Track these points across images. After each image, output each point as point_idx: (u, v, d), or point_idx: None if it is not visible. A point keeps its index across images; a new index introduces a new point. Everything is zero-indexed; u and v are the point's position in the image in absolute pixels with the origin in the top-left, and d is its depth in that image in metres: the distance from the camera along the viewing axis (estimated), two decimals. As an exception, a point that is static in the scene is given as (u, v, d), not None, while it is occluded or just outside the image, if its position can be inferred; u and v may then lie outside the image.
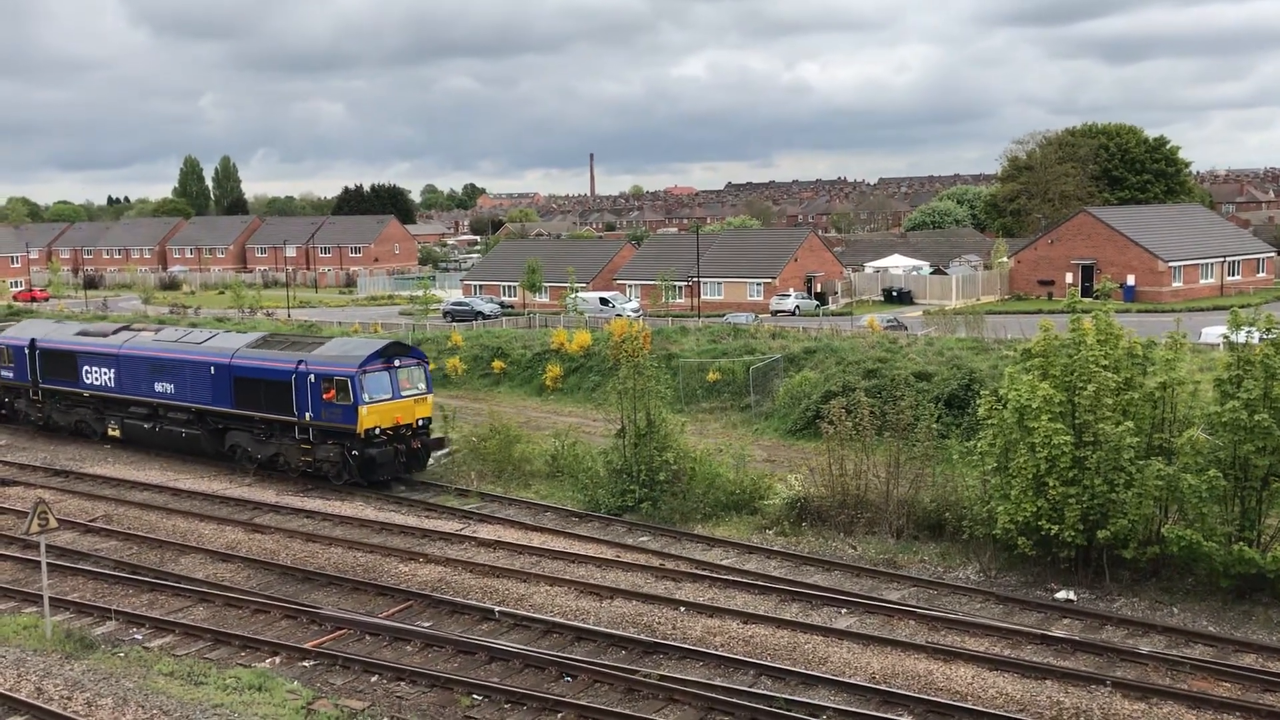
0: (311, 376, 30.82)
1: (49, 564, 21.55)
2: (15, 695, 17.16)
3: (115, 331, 38.42)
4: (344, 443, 30.66)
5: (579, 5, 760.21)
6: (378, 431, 30.51)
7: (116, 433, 36.88)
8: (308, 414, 31.09)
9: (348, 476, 30.94)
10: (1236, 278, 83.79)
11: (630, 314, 72.26)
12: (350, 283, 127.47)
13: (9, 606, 22.49)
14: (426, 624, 21.14)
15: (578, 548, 25.42)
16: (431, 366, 49.29)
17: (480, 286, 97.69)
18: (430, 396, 32.45)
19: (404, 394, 31.22)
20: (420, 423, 31.78)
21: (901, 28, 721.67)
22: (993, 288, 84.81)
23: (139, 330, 38.69)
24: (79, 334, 38.91)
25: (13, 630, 20.41)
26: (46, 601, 20.66)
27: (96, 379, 36.94)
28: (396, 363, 31.33)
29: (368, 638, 20.49)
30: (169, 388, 34.69)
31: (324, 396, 30.53)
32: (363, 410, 30.10)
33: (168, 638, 20.66)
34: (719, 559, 24.72)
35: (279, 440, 32.37)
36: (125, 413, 36.44)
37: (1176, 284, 78.52)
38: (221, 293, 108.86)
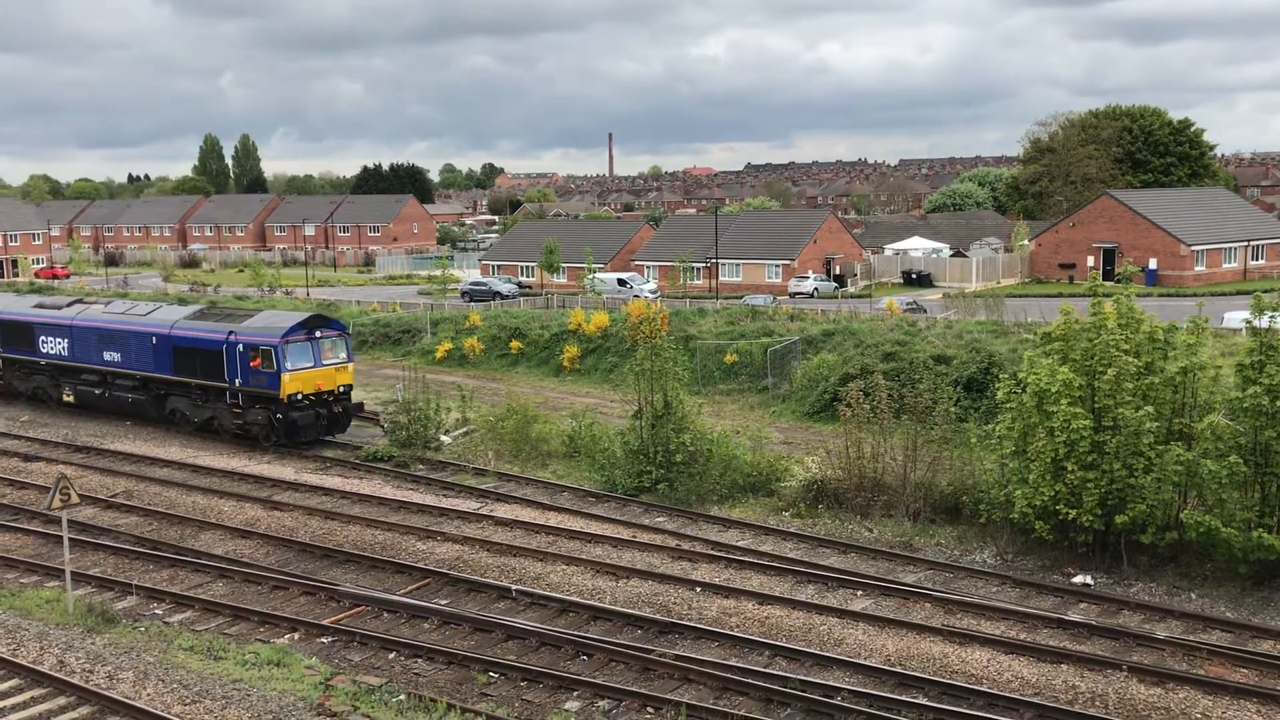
0: (240, 346, 33.13)
1: (71, 539, 21.74)
2: (38, 668, 17.37)
3: (69, 304, 40.56)
4: (270, 407, 33.00)
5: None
6: (300, 397, 32.86)
7: (70, 398, 39.06)
8: (237, 380, 33.50)
9: (275, 439, 33.18)
10: (1260, 262, 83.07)
11: (648, 295, 72.17)
12: (369, 262, 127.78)
13: (32, 581, 22.74)
14: (444, 602, 21.26)
15: (594, 528, 25.50)
16: (449, 346, 49.86)
17: (498, 267, 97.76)
18: (351, 365, 34.80)
19: (325, 362, 33.57)
20: (342, 389, 34.07)
21: (925, 8, 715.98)
22: (1013, 271, 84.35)
23: (90, 303, 40.61)
24: (36, 306, 41.26)
25: (35, 604, 20.63)
26: (69, 576, 20.87)
27: (52, 348, 39.17)
28: (318, 334, 33.61)
29: (386, 615, 20.63)
30: (116, 356, 37.02)
31: (251, 364, 32.90)
32: (285, 377, 32.44)
33: (187, 613, 20.85)
34: (735, 540, 24.75)
35: (213, 405, 34.69)
36: (78, 380, 38.66)
37: (1199, 268, 77.93)
38: (241, 271, 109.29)
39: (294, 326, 33.08)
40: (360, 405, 35.19)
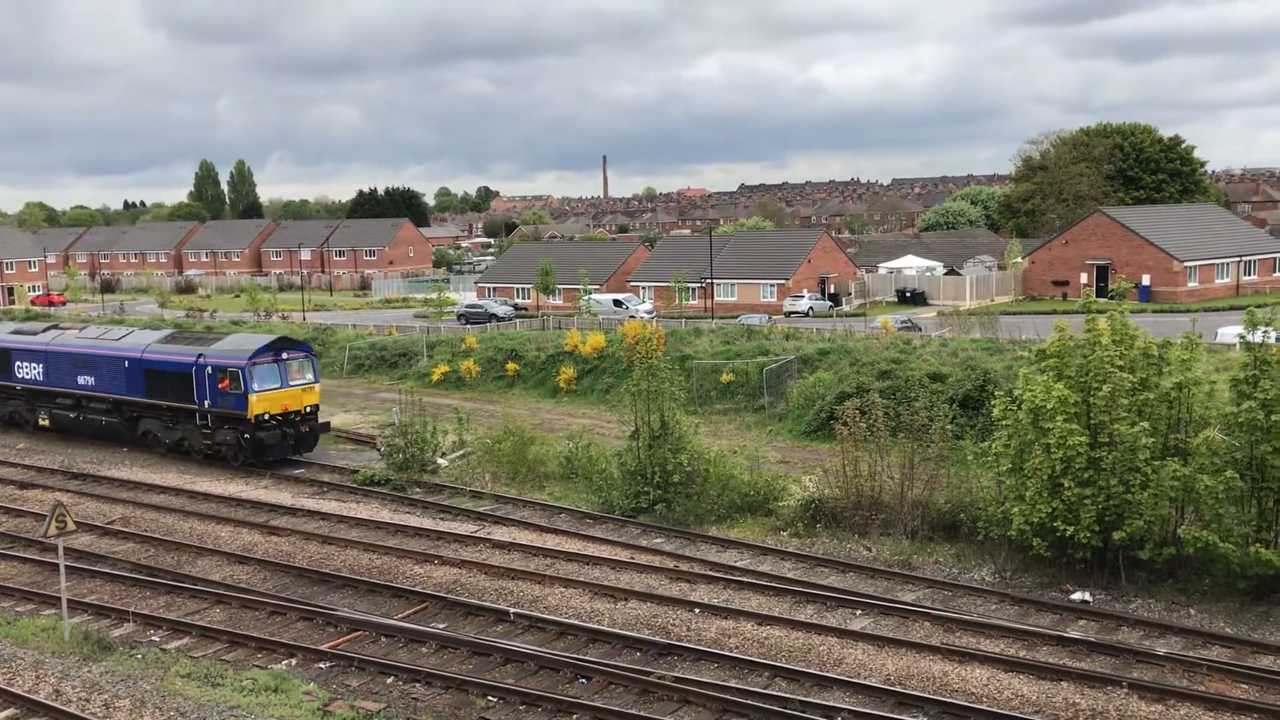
0: (209, 368, 33.98)
1: (67, 566, 21.68)
2: (34, 697, 17.28)
3: (44, 330, 41.37)
4: (238, 427, 33.71)
5: (593, 6, 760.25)
6: (267, 417, 33.59)
7: (46, 422, 39.62)
8: (206, 402, 34.27)
9: (243, 458, 33.87)
10: (1253, 277, 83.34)
11: (644, 316, 72.27)
12: (365, 285, 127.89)
13: (28, 609, 22.65)
14: (442, 625, 21.20)
15: (592, 549, 25.46)
16: (445, 369, 49.88)
17: (494, 289, 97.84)
18: (317, 386, 35.63)
19: (292, 383, 34.35)
20: (308, 409, 34.86)
21: (916, 28, 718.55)
22: (1007, 288, 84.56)
23: (65, 329, 41.42)
24: (13, 333, 41.98)
25: (31, 632, 20.55)
26: (65, 604, 20.78)
27: (28, 373, 39.77)
28: (285, 355, 34.42)
29: (384, 639, 20.57)
30: (90, 380, 37.74)
31: (220, 386, 33.70)
32: (252, 398, 33.20)
33: (185, 639, 20.77)
34: (733, 560, 24.72)
35: (184, 426, 35.40)
36: (53, 403, 39.21)
37: (1192, 284, 78.15)
38: (237, 296, 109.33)
39: (261, 349, 33.82)
40: (327, 425, 35.80)
